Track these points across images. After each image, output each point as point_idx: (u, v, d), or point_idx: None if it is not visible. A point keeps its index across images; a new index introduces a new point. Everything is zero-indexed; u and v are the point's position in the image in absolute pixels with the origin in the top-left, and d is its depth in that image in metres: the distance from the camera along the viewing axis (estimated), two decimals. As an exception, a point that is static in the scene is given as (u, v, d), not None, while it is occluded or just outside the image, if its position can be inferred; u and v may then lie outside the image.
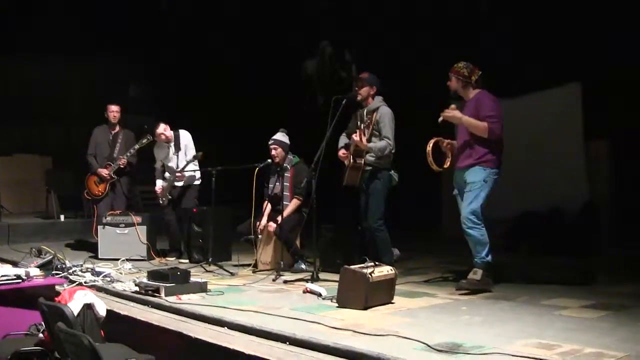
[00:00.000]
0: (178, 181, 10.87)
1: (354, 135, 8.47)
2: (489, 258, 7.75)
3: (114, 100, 11.64)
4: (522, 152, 11.00)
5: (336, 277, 7.40)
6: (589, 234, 10.54)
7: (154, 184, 11.16)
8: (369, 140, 8.51)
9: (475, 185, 7.72)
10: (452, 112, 7.81)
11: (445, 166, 8.21)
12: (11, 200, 15.50)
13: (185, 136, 11.08)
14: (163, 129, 10.90)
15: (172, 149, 10.99)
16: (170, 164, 10.99)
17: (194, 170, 10.79)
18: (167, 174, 11.05)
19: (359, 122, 8.79)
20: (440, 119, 7.88)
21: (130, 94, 18.91)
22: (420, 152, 8.05)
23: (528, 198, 11.55)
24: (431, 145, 7.96)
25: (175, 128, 11.06)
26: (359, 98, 8.83)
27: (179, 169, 10.73)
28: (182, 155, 10.94)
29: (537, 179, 11.61)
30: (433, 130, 8.11)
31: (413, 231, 12.15)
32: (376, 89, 8.85)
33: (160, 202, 11.01)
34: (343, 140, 8.99)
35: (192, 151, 10.94)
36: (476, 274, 7.74)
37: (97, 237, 10.97)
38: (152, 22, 17.10)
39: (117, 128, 11.61)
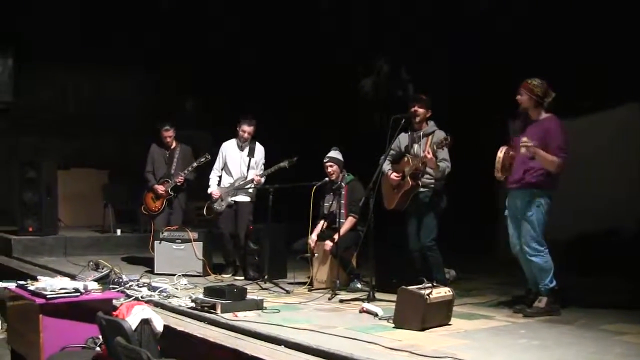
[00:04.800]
0: (236, 194, 10.88)
1: (426, 153, 8.40)
2: (554, 284, 7.63)
3: (166, 123, 11.61)
4: (578, 172, 10.84)
5: (392, 297, 7.39)
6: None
7: (207, 197, 11.13)
8: (425, 165, 8.51)
9: (529, 212, 7.61)
10: (531, 145, 7.48)
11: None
12: (68, 214, 15.66)
13: (262, 151, 11.08)
14: (251, 130, 10.89)
15: (245, 152, 10.99)
16: (235, 168, 10.98)
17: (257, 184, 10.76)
18: (226, 182, 11.02)
19: (411, 145, 8.80)
20: (523, 150, 7.55)
21: (186, 109, 19.03)
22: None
23: (584, 219, 11.40)
24: (503, 152, 7.75)
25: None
26: (417, 119, 8.80)
27: (259, 174, 10.75)
28: (253, 163, 10.92)
29: (593, 200, 11.46)
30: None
31: (469, 252, 12.04)
32: (431, 113, 8.86)
33: (219, 207, 10.93)
34: (387, 163, 8.97)
35: (262, 167, 10.97)
36: (541, 302, 7.64)
37: (154, 252, 11.07)
38: (204, 36, 17.21)
39: (174, 144, 11.66)
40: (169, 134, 11.57)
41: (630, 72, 11.00)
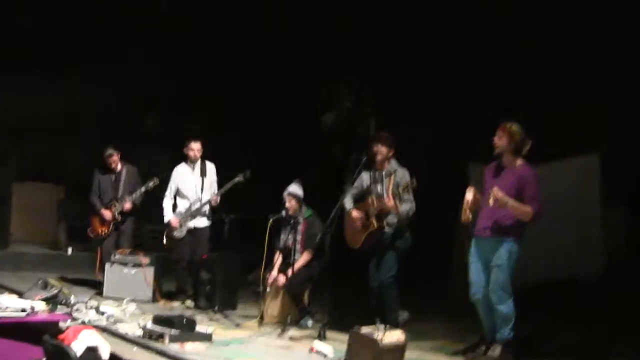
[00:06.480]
0: (193, 217, 10.72)
1: (386, 200, 8.38)
2: (511, 335, 7.53)
3: (109, 148, 11.37)
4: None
5: (344, 335, 7.31)
6: (605, 302, 10.40)
7: (162, 221, 10.93)
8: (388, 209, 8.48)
9: (500, 260, 7.49)
10: (501, 195, 7.36)
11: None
12: (21, 227, 15.41)
13: (213, 168, 10.91)
14: (199, 146, 10.68)
15: (197, 173, 10.78)
16: (190, 191, 10.76)
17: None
18: (182, 207, 10.81)
19: (372, 184, 8.77)
20: (492, 200, 7.43)
21: (147, 124, 18.73)
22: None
23: (545, 266, 11.44)
24: (472, 194, 7.61)
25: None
26: (379, 157, 8.75)
27: (215, 194, 10.58)
28: (207, 183, 10.74)
29: (554, 248, 11.50)
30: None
31: (425, 295, 11.99)
32: (394, 151, 8.81)
33: (179, 234, 10.67)
34: (349, 201, 8.91)
35: (215, 187, 10.81)
36: (495, 351, 7.55)
37: (101, 277, 10.91)
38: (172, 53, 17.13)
39: (119, 166, 11.45)
40: (113, 159, 11.35)
41: (589, 122, 11.14)
